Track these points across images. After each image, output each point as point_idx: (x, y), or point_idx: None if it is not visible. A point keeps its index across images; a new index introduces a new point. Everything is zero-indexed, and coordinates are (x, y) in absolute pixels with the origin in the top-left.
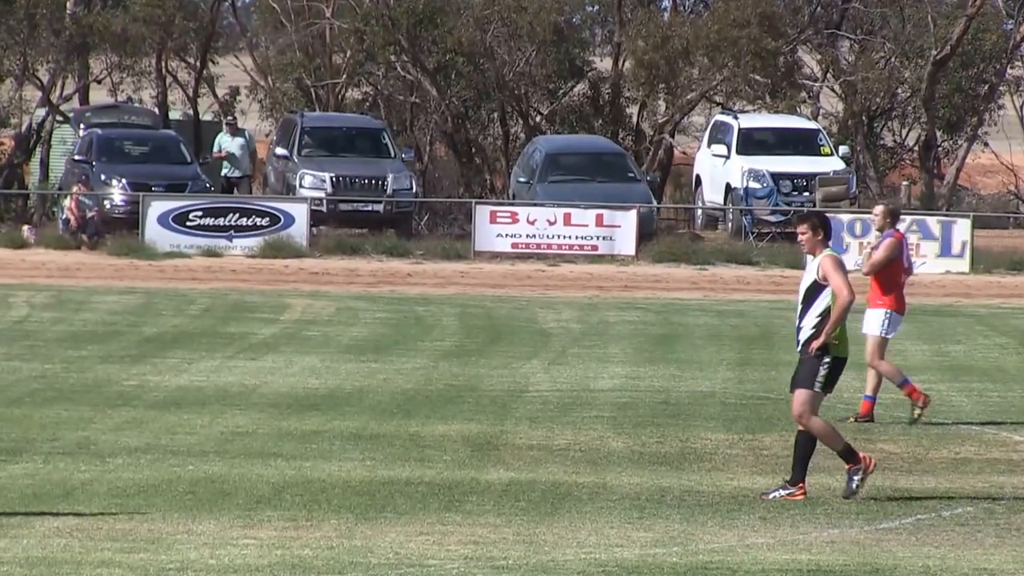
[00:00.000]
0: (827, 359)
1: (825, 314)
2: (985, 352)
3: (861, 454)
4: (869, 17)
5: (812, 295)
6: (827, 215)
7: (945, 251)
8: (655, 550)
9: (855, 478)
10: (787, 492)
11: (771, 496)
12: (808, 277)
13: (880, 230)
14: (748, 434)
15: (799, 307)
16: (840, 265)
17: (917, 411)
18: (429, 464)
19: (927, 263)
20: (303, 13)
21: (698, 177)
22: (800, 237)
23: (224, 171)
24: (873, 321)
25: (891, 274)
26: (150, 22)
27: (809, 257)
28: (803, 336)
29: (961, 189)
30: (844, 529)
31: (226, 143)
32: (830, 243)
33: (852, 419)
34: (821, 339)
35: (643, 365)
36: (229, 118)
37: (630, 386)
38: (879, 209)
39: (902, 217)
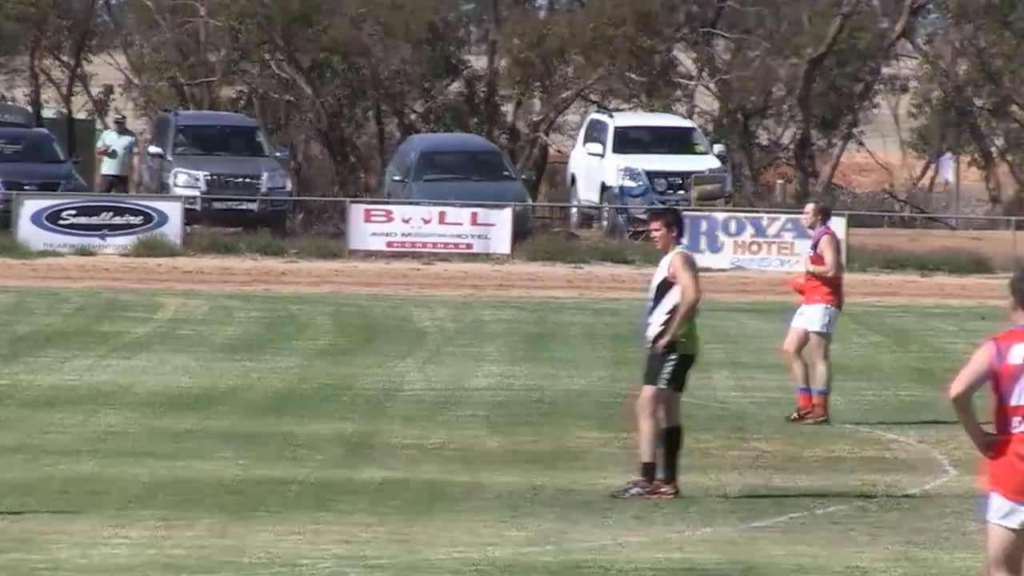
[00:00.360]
0: (673, 356)
1: (674, 311)
2: (860, 351)
3: (661, 486)
4: (745, 16)
5: (662, 292)
6: (680, 212)
7: None
8: (529, 549)
9: (635, 491)
10: (647, 491)
11: (630, 494)
12: (659, 273)
13: (811, 227)
14: (622, 433)
15: (650, 303)
16: (690, 263)
17: (795, 415)
18: (302, 463)
19: (801, 262)
20: (177, 11)
21: (573, 176)
22: (653, 234)
23: (104, 169)
24: (814, 317)
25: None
26: (23, 20)
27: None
28: (651, 332)
29: (836, 188)
30: (718, 527)
31: (112, 140)
32: (683, 240)
33: (810, 419)
34: (667, 337)
35: (518, 364)
36: (118, 116)
37: (504, 385)
38: (810, 207)
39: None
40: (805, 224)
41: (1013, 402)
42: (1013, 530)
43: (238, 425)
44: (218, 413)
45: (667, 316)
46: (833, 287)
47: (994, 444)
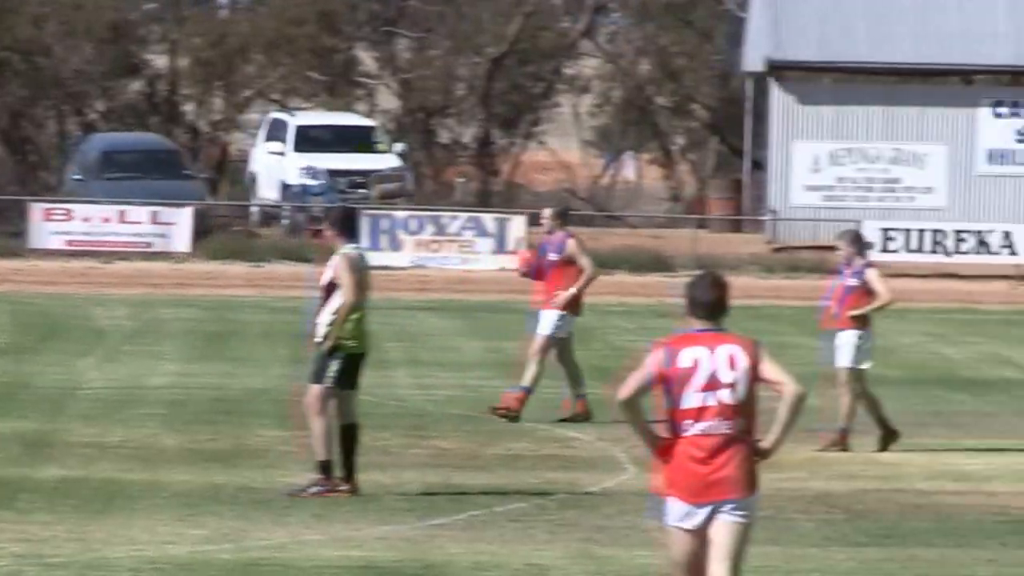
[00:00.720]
0: (339, 355)
1: (338, 312)
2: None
3: (339, 484)
4: (426, 14)
5: (329, 292)
6: (351, 212)
7: (500, 248)
8: (207, 547)
9: (313, 489)
10: (326, 489)
11: (309, 492)
12: (327, 274)
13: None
14: (300, 431)
15: (318, 301)
16: (353, 265)
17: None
18: None
19: (482, 260)
20: None
21: (254, 174)
22: (324, 234)
23: None
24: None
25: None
26: None
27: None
28: (318, 332)
29: (517, 186)
30: (396, 526)
31: None
32: (354, 241)
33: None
34: (330, 339)
35: (196, 362)
36: None
37: (183, 383)
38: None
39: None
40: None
41: (684, 405)
42: (691, 532)
43: None
44: None
45: (333, 316)
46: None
47: (666, 447)
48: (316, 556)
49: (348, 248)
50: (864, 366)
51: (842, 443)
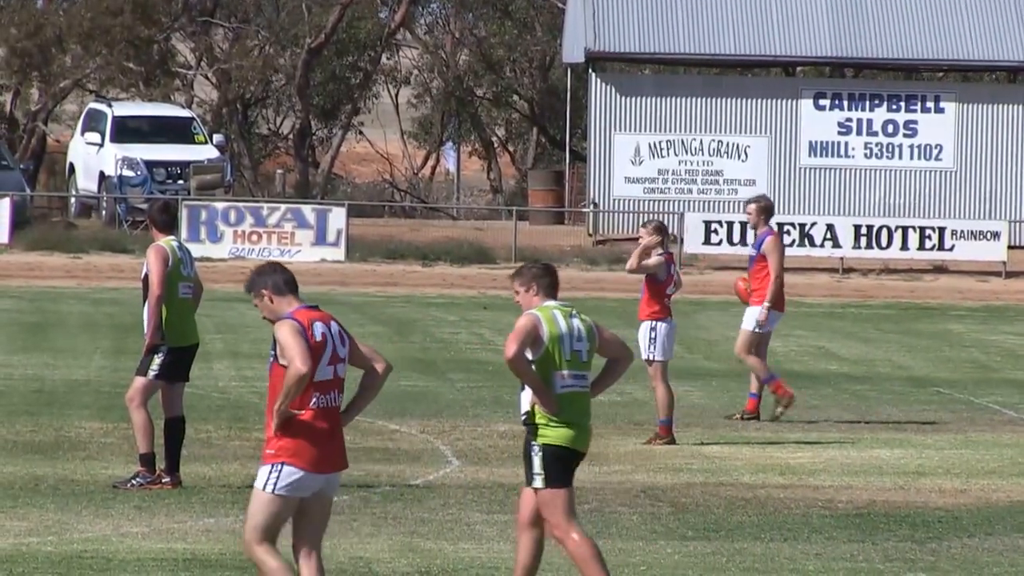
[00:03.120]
0: (163, 348)
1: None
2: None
3: (162, 476)
4: (244, 5)
5: (146, 286)
6: (170, 204)
7: (320, 239)
8: (29, 539)
9: (136, 481)
10: (149, 481)
11: (131, 484)
12: (144, 268)
13: (755, 228)
14: (123, 423)
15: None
16: (161, 257)
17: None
18: None
19: (302, 251)
20: None
21: (72, 165)
22: (144, 225)
23: None
24: (750, 316)
25: (765, 272)
26: None
27: None
28: (147, 328)
29: (336, 177)
30: (219, 518)
31: None
32: (172, 233)
33: (737, 416)
34: (148, 335)
35: (16, 354)
36: None
37: (3, 375)
38: (752, 207)
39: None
40: (749, 225)
41: (317, 378)
42: (302, 499)
43: None
44: None
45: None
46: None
47: (293, 419)
48: (139, 548)
49: (164, 240)
50: (659, 357)
51: (665, 436)
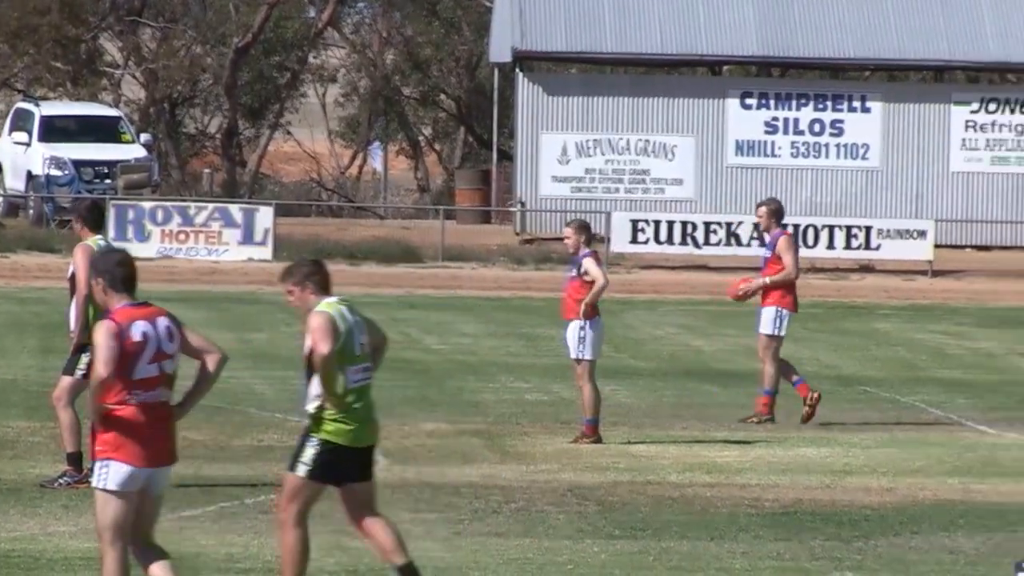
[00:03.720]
0: (89, 348)
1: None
2: (287, 340)
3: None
4: (171, 5)
5: (73, 286)
6: (98, 203)
7: (248, 239)
8: None
9: (64, 480)
10: (76, 479)
11: (59, 483)
12: (71, 268)
13: (767, 231)
14: (50, 422)
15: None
16: (87, 256)
17: (754, 419)
18: None
19: (230, 250)
20: None
21: None
22: (73, 225)
23: None
24: (766, 319)
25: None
26: None
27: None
28: (73, 326)
29: (263, 177)
30: None
31: None
32: (100, 232)
33: (754, 420)
34: (75, 332)
35: None
36: None
37: None
38: (763, 210)
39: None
40: (761, 228)
41: (136, 376)
42: (132, 494)
43: None
44: None
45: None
46: (788, 289)
47: (111, 415)
48: (66, 547)
49: (91, 240)
50: (588, 356)
51: (592, 435)
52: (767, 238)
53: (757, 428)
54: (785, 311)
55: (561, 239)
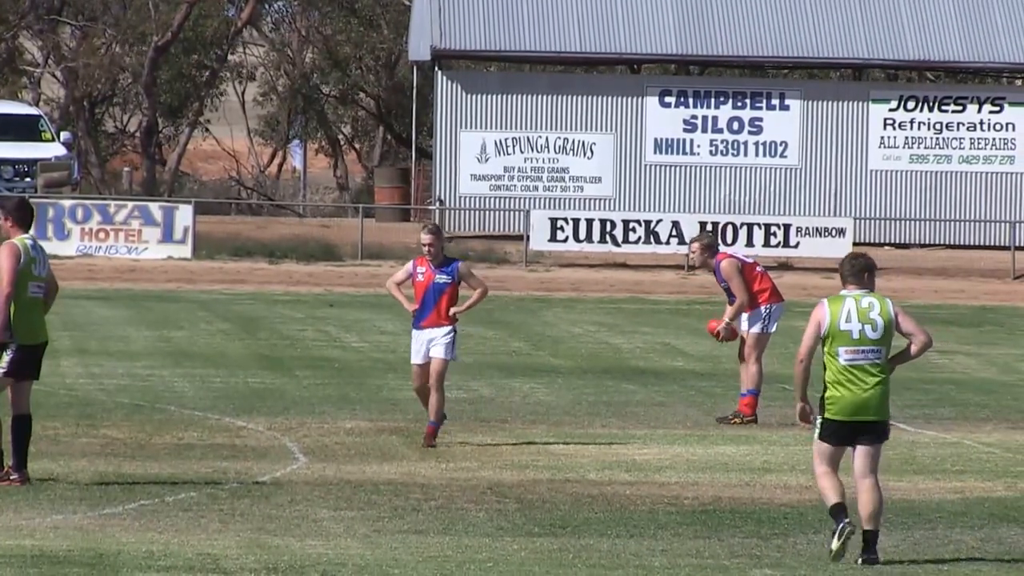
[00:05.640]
0: (12, 345)
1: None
2: (208, 338)
3: (11, 474)
4: (91, 3)
5: None
6: (27, 201)
7: (167, 237)
8: None
9: None
10: (10, 479)
11: None
12: None
13: (703, 266)
14: None
15: None
16: (14, 256)
17: (736, 420)
18: None
19: (149, 249)
20: None
21: None
22: (3, 224)
23: None
24: (753, 317)
25: (753, 277)
26: None
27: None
28: None
29: (183, 175)
30: (68, 515)
31: None
32: (27, 231)
33: (736, 420)
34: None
35: None
36: None
37: None
38: (695, 246)
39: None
40: (696, 263)
41: None
42: None
43: None
44: None
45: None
46: (763, 290)
47: None
48: None
49: (19, 238)
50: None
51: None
52: (716, 270)
53: (673, 425)
54: (774, 306)
55: (481, 237)
